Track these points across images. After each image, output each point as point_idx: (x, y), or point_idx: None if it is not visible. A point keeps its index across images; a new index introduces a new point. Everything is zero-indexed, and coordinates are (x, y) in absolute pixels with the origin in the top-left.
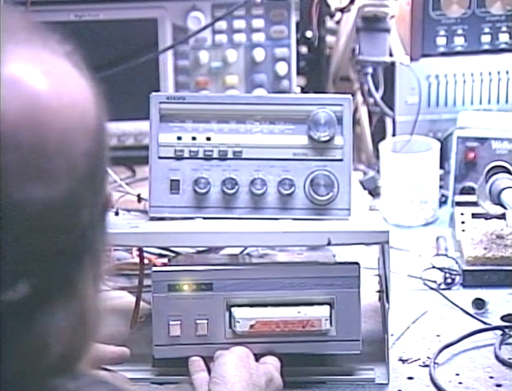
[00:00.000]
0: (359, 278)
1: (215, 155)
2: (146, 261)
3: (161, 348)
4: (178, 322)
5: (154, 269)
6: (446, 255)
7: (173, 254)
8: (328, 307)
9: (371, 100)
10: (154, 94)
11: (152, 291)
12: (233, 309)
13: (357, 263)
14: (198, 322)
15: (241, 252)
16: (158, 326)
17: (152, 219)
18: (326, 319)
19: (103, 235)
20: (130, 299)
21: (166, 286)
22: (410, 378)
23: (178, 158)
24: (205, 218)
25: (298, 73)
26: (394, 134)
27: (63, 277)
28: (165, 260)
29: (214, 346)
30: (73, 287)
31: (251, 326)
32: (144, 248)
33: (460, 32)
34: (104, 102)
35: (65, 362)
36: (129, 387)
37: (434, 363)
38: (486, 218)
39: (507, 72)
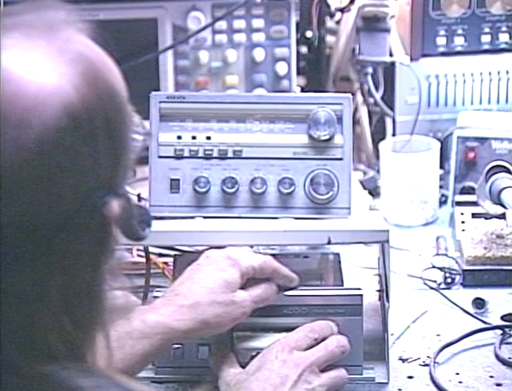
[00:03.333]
0: (361, 307)
1: (215, 154)
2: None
3: (163, 370)
4: (181, 346)
5: (155, 294)
6: (446, 255)
7: (176, 252)
8: None
9: (371, 100)
10: (154, 93)
11: None
12: (235, 334)
13: (361, 294)
14: (200, 346)
15: None
16: None
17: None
18: None
19: (102, 222)
20: (131, 299)
21: None
22: (410, 377)
23: (178, 157)
24: (205, 217)
25: (298, 73)
26: (394, 134)
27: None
28: (165, 259)
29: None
30: (63, 265)
31: (252, 357)
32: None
33: (460, 32)
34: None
35: (60, 354)
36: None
37: (435, 362)
38: (486, 218)
39: (507, 72)
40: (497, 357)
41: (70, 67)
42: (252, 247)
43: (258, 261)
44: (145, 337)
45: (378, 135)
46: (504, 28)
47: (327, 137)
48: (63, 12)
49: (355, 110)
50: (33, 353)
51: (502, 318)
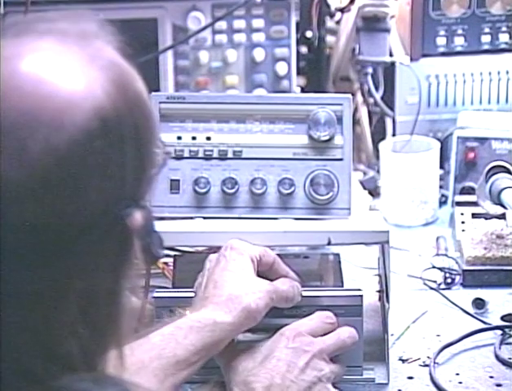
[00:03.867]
0: (361, 307)
1: (215, 154)
2: None
3: None
4: None
5: (155, 295)
6: (446, 255)
7: (176, 253)
8: None
9: (371, 100)
10: (154, 93)
11: (155, 316)
12: None
13: (361, 295)
14: None
15: None
16: None
17: None
18: None
19: (119, 228)
20: (147, 308)
21: (168, 312)
22: (410, 378)
23: (178, 158)
24: (205, 218)
25: (298, 73)
26: (394, 134)
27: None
28: (165, 259)
29: (215, 369)
30: (84, 276)
31: None
32: None
33: (460, 32)
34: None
35: (75, 361)
36: None
37: (435, 363)
38: (486, 218)
39: (507, 72)
40: (497, 357)
41: (101, 73)
42: None
43: (258, 249)
44: (194, 331)
45: (378, 135)
46: (504, 28)
47: (327, 137)
48: (94, 24)
49: (355, 110)
50: (51, 361)
51: (502, 318)
